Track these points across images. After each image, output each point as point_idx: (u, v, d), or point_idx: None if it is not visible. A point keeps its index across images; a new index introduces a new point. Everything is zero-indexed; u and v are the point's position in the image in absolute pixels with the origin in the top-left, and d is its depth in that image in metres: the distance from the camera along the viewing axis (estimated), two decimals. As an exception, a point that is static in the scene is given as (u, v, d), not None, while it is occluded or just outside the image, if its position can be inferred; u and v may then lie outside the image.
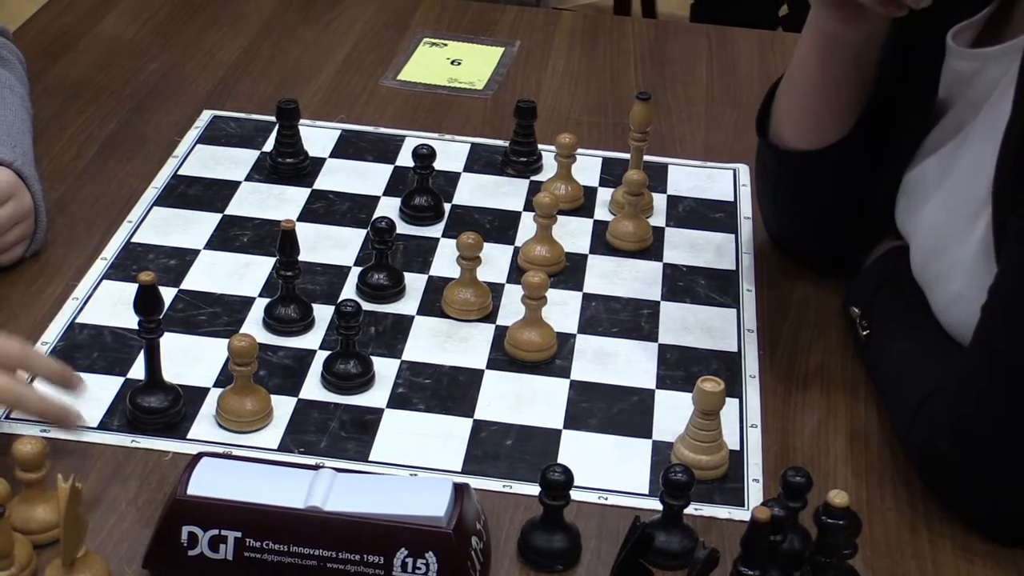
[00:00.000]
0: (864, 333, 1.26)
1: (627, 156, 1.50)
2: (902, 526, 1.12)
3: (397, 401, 1.21)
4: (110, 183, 1.49)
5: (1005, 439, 1.06)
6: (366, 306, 1.28)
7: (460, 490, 1.01)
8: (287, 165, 1.51)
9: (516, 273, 1.36)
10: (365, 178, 1.52)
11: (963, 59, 1.21)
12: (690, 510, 1.06)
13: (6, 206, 1.31)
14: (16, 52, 1.53)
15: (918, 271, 1.24)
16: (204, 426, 1.18)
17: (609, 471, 1.15)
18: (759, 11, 2.90)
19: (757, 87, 1.73)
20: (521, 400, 1.22)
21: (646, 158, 1.50)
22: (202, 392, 1.21)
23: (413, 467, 1.14)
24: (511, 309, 1.32)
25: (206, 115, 1.62)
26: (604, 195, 1.51)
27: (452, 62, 1.78)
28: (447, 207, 1.47)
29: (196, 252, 1.38)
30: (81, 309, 1.30)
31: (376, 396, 1.22)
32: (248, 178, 1.51)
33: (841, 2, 1.20)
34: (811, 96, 1.30)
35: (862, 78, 1.27)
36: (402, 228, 1.42)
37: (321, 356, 1.25)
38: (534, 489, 1.07)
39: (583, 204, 1.49)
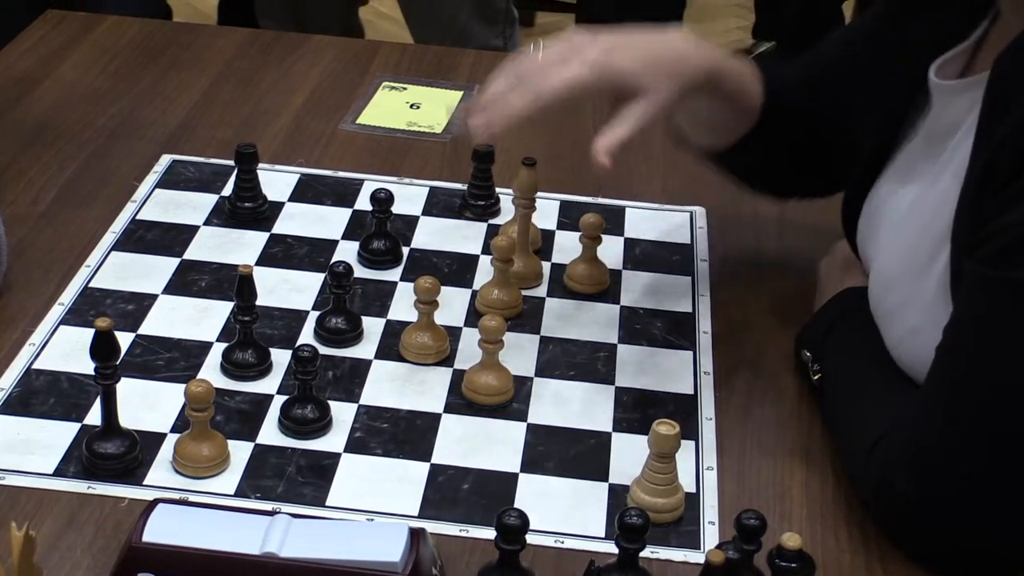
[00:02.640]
0: (816, 377, 1.27)
1: (586, 199, 1.51)
2: (857, 567, 1.12)
3: (354, 445, 1.21)
4: (68, 228, 1.49)
5: (961, 479, 1.07)
6: (324, 350, 1.29)
7: (416, 535, 1.01)
8: (245, 209, 1.51)
9: (474, 317, 1.37)
10: (324, 222, 1.52)
11: (936, 92, 1.21)
12: (645, 553, 1.06)
13: None
14: None
15: (875, 301, 1.24)
16: (161, 472, 1.17)
17: (565, 514, 1.15)
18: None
19: (713, 130, 1.74)
20: (478, 444, 1.22)
21: (604, 201, 1.50)
22: (159, 437, 1.21)
23: (370, 512, 1.14)
24: (469, 353, 1.32)
25: (165, 159, 1.62)
26: (561, 238, 1.51)
27: (411, 106, 1.79)
28: (405, 251, 1.48)
29: (154, 297, 1.38)
30: (38, 355, 1.29)
31: (333, 441, 1.22)
32: (207, 222, 1.51)
33: None
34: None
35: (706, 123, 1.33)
36: (360, 272, 1.42)
37: (279, 401, 1.25)
38: (491, 533, 1.06)
39: (540, 247, 1.49)
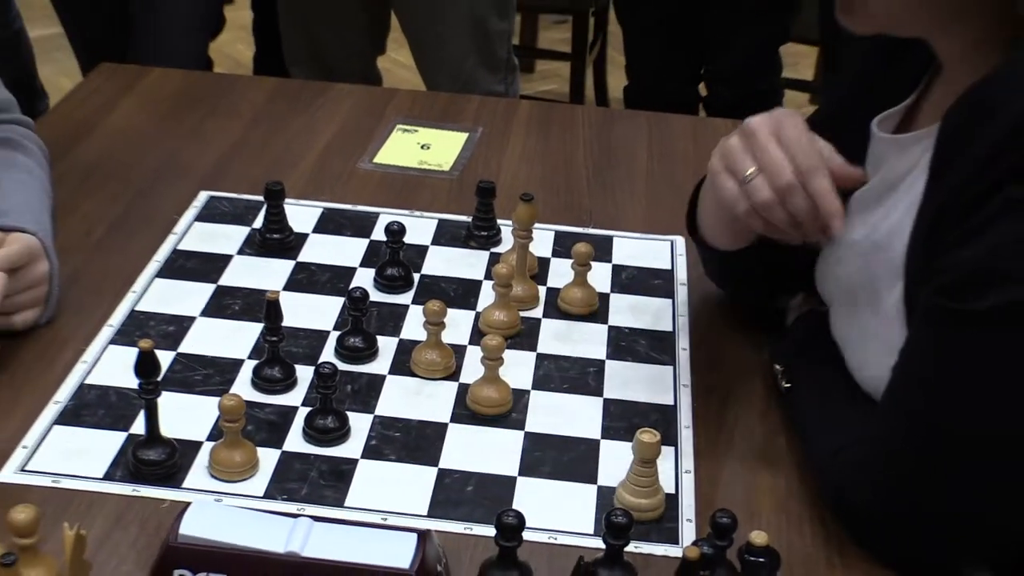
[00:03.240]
0: (786, 386, 1.26)
1: (578, 230, 1.50)
2: (818, 560, 1.12)
3: (370, 452, 1.21)
4: (117, 257, 1.49)
5: (910, 493, 1.07)
6: (343, 367, 1.29)
7: (423, 536, 1.01)
8: (274, 240, 1.51)
9: (477, 336, 1.36)
10: (343, 251, 1.52)
11: (884, 144, 1.22)
12: (630, 548, 1.06)
13: (29, 267, 1.31)
14: (37, 141, 1.53)
15: (836, 330, 1.24)
16: (198, 476, 1.17)
17: (558, 514, 1.15)
18: (681, 97, 2.96)
19: (691, 167, 1.74)
20: (481, 450, 1.22)
21: (593, 231, 1.50)
22: (196, 445, 1.21)
23: (384, 511, 1.14)
24: (472, 368, 1.32)
25: (203, 196, 1.63)
26: (556, 264, 1.51)
27: (422, 146, 1.79)
28: (416, 277, 1.48)
29: (193, 319, 1.38)
30: (90, 371, 1.29)
31: (351, 447, 1.22)
32: (240, 252, 1.51)
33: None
34: (712, 220, 1.30)
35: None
36: (376, 296, 1.42)
37: (303, 412, 1.25)
38: (492, 531, 1.06)
39: (537, 273, 1.49)
